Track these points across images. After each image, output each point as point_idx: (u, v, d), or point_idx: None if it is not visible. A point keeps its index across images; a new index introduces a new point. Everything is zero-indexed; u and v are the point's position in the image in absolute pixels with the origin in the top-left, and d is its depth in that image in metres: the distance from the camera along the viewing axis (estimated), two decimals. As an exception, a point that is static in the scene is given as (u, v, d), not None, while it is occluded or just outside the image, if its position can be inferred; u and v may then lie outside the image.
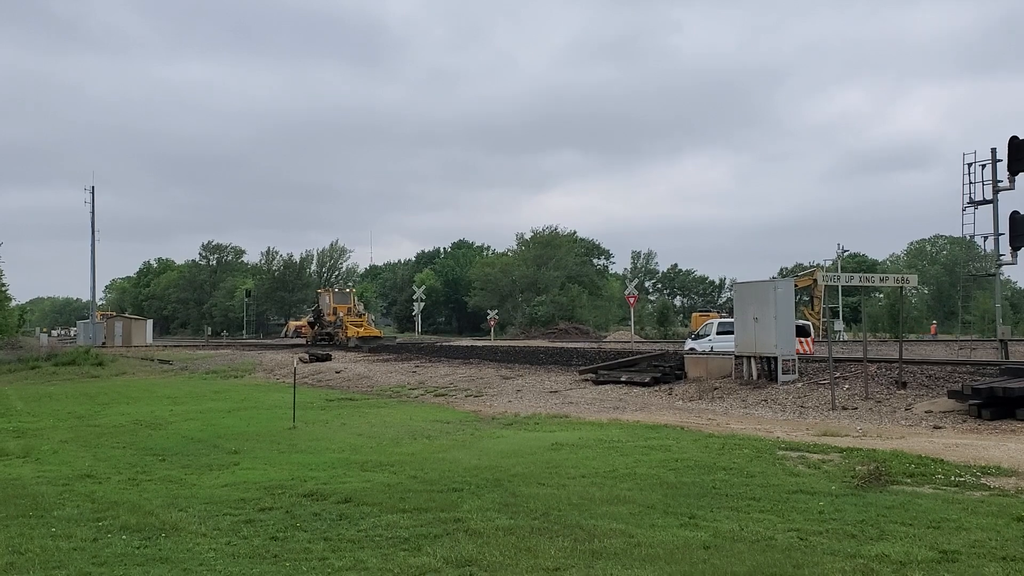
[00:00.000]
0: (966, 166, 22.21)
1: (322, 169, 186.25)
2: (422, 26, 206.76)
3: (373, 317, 55.46)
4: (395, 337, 60.07)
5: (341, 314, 48.30)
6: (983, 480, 8.90)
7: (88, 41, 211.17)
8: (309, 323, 53.03)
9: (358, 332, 46.00)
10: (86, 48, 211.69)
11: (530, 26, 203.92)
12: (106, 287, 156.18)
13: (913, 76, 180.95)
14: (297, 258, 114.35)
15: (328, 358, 34.07)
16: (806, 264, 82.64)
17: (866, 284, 21.18)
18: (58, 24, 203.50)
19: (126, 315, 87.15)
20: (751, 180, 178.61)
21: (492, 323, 64.60)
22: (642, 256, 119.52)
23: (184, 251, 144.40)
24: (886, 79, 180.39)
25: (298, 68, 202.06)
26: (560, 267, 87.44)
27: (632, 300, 40.07)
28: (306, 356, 33.83)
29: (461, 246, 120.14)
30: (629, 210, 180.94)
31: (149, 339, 68.77)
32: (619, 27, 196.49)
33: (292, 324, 58.39)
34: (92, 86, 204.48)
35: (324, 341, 48.24)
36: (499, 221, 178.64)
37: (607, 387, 20.42)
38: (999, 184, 21.78)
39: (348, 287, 59.67)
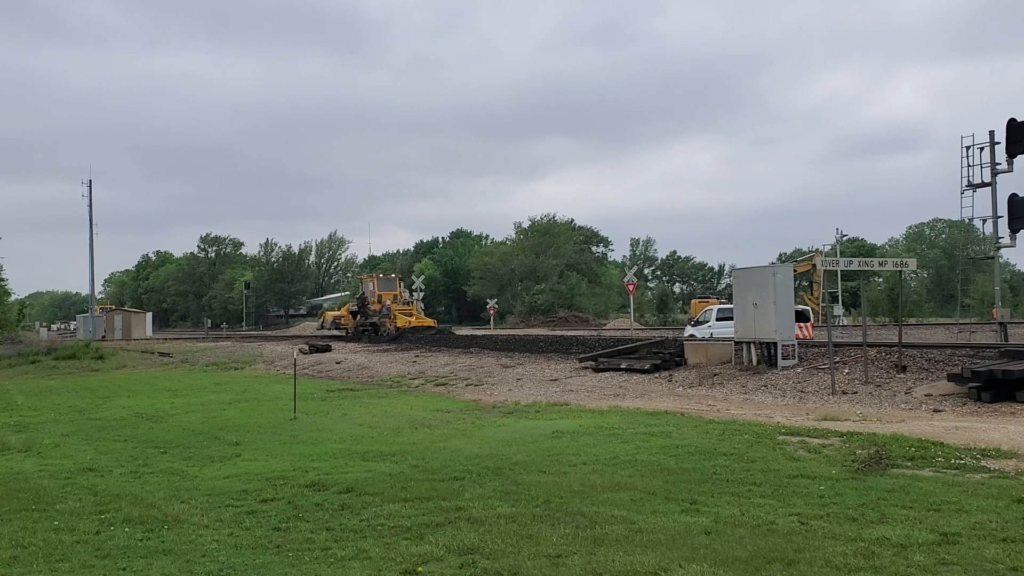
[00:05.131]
0: (964, 149, 22.13)
1: (311, 159, 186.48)
2: (401, 12, 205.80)
3: (422, 305, 49.85)
4: (450, 326, 55.09)
5: (387, 302, 44.19)
6: (983, 462, 8.93)
7: (68, 33, 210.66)
8: (352, 312, 48.09)
9: (409, 321, 42.01)
10: (66, 40, 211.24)
11: (512, 11, 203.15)
12: (105, 280, 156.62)
13: (901, 58, 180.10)
14: (296, 249, 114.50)
15: (328, 349, 34.14)
16: (805, 249, 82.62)
17: (865, 268, 21.14)
18: (38, 16, 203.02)
19: (125, 308, 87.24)
20: (742, 165, 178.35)
21: (492, 312, 64.69)
22: (641, 243, 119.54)
23: (182, 243, 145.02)
24: (873, 61, 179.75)
25: (279, 57, 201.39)
26: (559, 255, 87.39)
27: (631, 287, 40.03)
28: (306, 347, 33.94)
29: (459, 235, 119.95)
30: (621, 197, 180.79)
31: (149, 332, 68.91)
32: (602, 12, 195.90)
33: (330, 314, 54.67)
34: (74, 79, 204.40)
35: (368, 332, 43.66)
36: (493, 209, 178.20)
37: (607, 374, 20.43)
38: (998, 167, 21.72)
39: (392, 273, 54.41)
